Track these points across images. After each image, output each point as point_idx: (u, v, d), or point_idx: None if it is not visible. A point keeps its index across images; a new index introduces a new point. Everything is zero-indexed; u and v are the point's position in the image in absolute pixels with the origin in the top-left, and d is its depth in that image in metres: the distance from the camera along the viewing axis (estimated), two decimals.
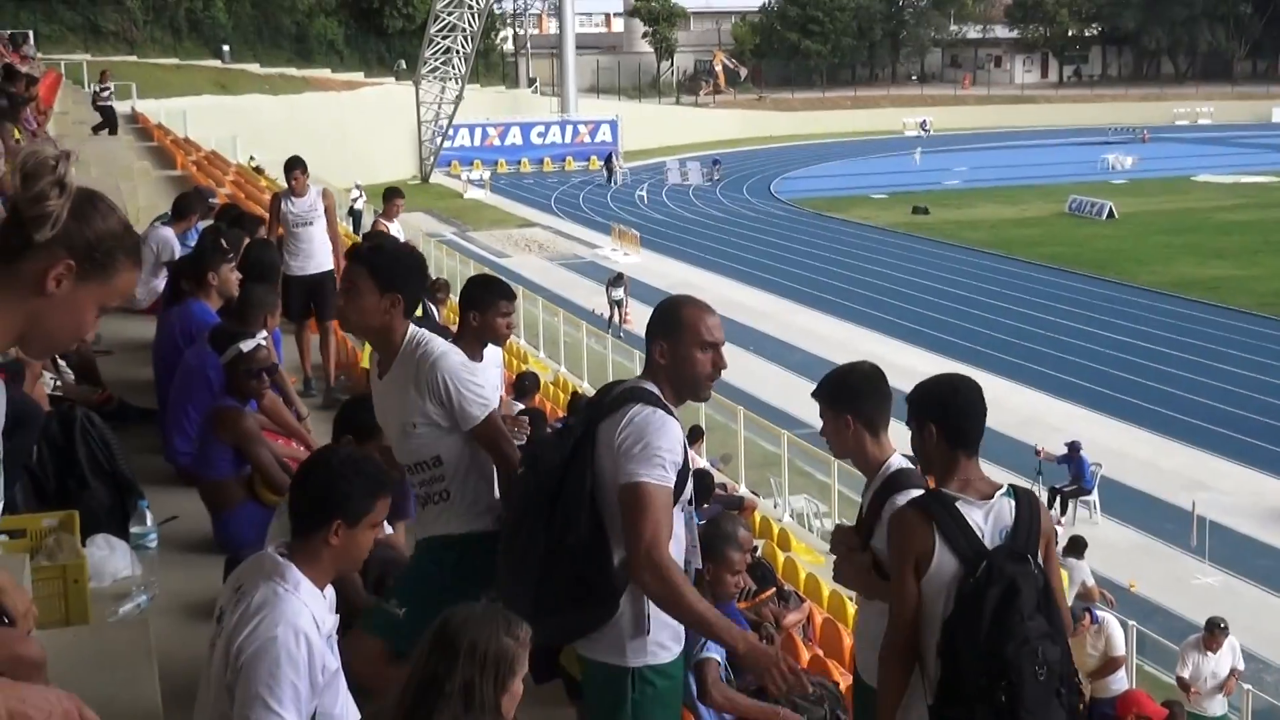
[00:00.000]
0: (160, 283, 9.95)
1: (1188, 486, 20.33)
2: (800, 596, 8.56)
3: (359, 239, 20.59)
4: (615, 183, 61.38)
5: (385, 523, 3.73)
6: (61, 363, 7.59)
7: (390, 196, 13.50)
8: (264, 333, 6.94)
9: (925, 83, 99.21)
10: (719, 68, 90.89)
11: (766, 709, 5.76)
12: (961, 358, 26.52)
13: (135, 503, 5.44)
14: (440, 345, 4.48)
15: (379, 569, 5.18)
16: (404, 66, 66.67)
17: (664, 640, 4.04)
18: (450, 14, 59.35)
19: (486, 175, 62.18)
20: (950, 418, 4.06)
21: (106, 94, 26.99)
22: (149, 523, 5.24)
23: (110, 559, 5.11)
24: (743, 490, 16.98)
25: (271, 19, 64.78)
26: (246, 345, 6.45)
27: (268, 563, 3.39)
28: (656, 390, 3.98)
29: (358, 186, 40.18)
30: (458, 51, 59.97)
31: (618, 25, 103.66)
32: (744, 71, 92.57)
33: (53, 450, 5.73)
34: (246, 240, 8.96)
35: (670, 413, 3.95)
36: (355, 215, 36.53)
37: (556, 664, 4.23)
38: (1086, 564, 14.40)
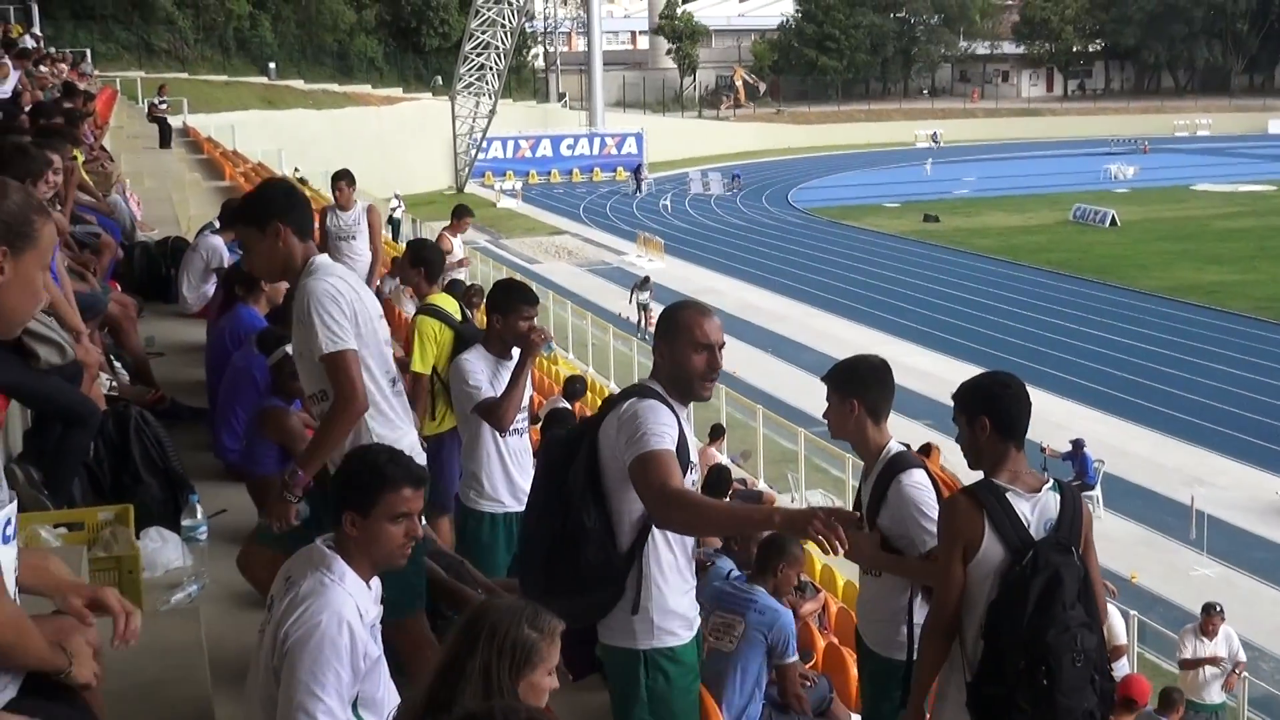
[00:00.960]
0: (210, 288, 9.92)
1: (1187, 482, 20.20)
2: (816, 587, 8.54)
3: (399, 247, 20.65)
4: (641, 192, 61.33)
5: (423, 518, 3.70)
6: (117, 364, 7.64)
7: (461, 214, 13.37)
8: None
9: (936, 97, 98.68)
10: (739, 83, 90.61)
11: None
12: (970, 359, 26.37)
13: (186, 497, 5.46)
14: (322, 272, 4.20)
15: (444, 560, 5.26)
16: (440, 82, 66.72)
17: (672, 626, 4.05)
18: (484, 32, 59.45)
19: (518, 186, 62.10)
20: (1003, 410, 4.08)
21: (164, 105, 27.18)
22: (199, 516, 5.25)
23: (163, 550, 5.13)
24: (761, 485, 16.97)
25: (315, 38, 64.95)
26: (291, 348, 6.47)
27: (315, 554, 3.42)
28: (659, 388, 4.01)
29: (396, 196, 40.23)
30: (491, 68, 60.06)
31: (643, 43, 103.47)
32: (763, 87, 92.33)
33: (109, 447, 5.78)
34: None
35: (669, 406, 3.96)
36: (394, 224, 36.53)
37: (595, 659, 4.23)
38: None
